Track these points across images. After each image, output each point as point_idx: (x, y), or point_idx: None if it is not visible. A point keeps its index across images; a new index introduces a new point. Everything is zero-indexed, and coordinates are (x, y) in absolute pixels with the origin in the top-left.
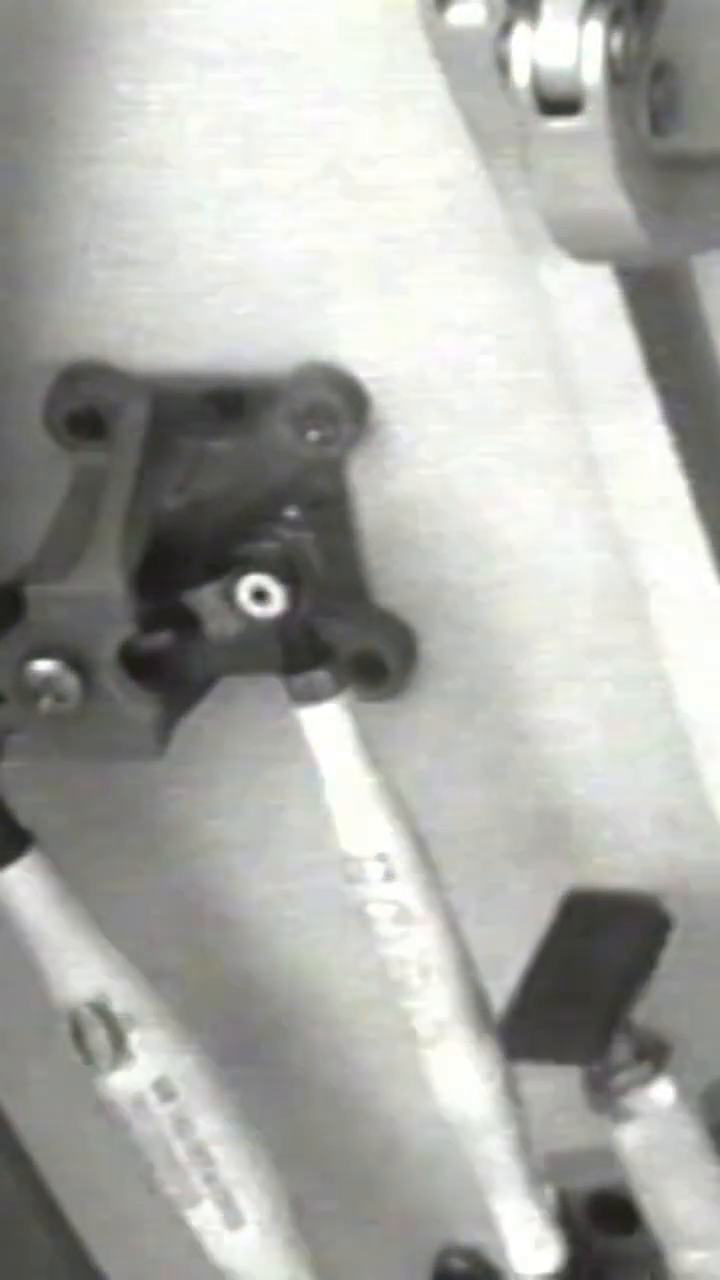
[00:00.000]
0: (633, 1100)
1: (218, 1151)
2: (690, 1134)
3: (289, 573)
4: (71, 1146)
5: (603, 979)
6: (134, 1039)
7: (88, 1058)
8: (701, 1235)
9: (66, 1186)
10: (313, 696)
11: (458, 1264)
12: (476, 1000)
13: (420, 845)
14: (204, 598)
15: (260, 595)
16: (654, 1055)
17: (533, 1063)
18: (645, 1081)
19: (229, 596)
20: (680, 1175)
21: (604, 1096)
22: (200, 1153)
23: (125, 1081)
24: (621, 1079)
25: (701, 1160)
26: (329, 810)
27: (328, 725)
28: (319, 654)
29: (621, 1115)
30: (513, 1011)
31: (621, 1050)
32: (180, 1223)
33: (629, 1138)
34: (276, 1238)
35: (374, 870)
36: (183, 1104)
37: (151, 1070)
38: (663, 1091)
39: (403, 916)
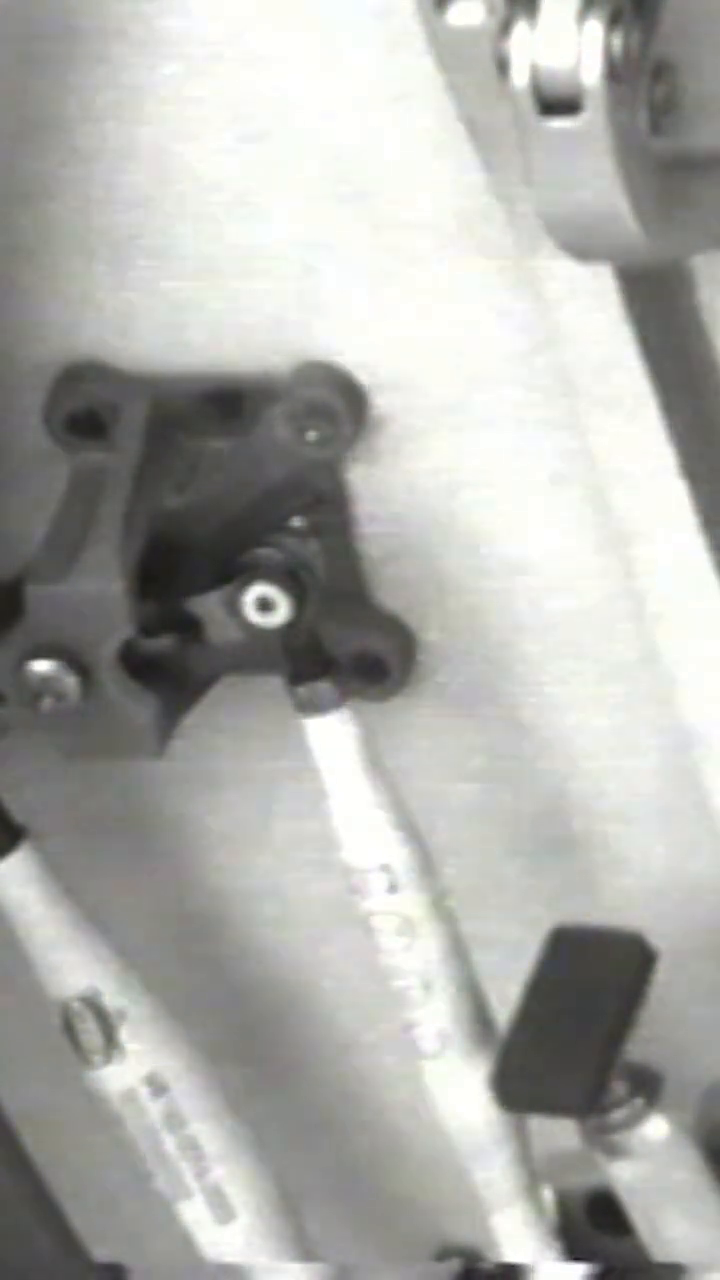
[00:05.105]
0: (626, 1138)
1: (209, 1147)
2: (686, 1165)
3: (294, 582)
4: (66, 1138)
5: (593, 1024)
6: (125, 1033)
7: (79, 1051)
8: (705, 1262)
9: (62, 1178)
10: (317, 708)
11: (484, 1266)
12: (478, 1013)
13: (424, 857)
14: (207, 604)
15: (265, 605)
16: (646, 1089)
17: (527, 1114)
18: (638, 1119)
19: (233, 604)
20: (678, 1207)
21: (597, 1134)
22: (191, 1147)
23: (116, 1076)
24: (614, 1117)
25: (699, 1190)
26: (332, 821)
27: (331, 736)
28: (323, 664)
29: (615, 1152)
30: (504, 1062)
31: (613, 1089)
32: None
33: (624, 1174)
34: (267, 1233)
35: (377, 882)
36: (174, 1099)
37: (143, 1065)
38: (656, 1128)
39: (406, 928)
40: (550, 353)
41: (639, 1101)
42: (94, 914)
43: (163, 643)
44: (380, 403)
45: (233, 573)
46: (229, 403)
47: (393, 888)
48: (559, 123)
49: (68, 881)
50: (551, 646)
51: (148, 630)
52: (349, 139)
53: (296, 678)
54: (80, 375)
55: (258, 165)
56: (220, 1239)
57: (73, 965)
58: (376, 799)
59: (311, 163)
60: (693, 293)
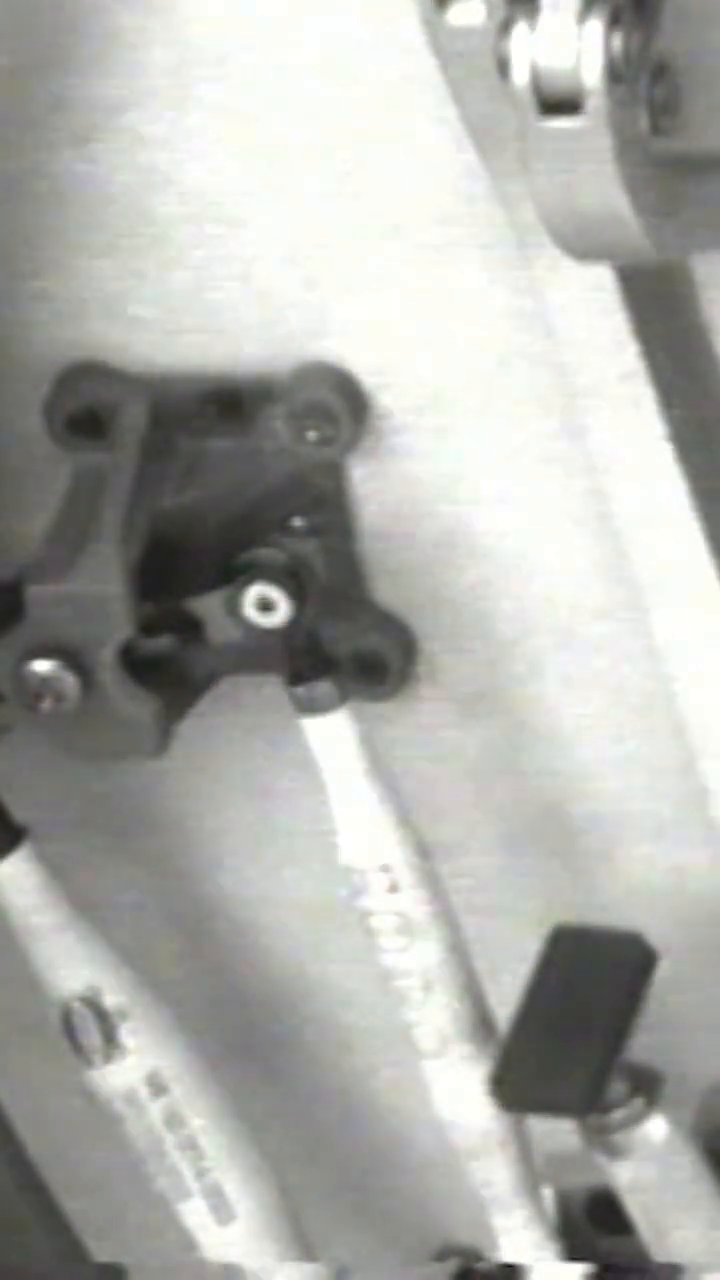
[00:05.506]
0: (626, 1138)
1: (209, 1147)
2: (686, 1165)
3: (294, 583)
4: (66, 1138)
5: (593, 1024)
6: (125, 1033)
7: (79, 1051)
8: (705, 1262)
9: (62, 1178)
10: (316, 708)
11: (484, 1266)
12: (478, 1013)
13: (424, 857)
14: (207, 604)
15: (265, 605)
16: (646, 1090)
17: (527, 1114)
18: (638, 1119)
19: (233, 605)
20: (678, 1207)
21: (597, 1134)
22: (191, 1147)
23: (117, 1075)
24: (614, 1117)
25: (699, 1190)
26: (332, 821)
27: (331, 736)
28: (323, 665)
29: (615, 1152)
30: (504, 1062)
31: (613, 1089)
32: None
33: (624, 1174)
34: (267, 1234)
35: (378, 882)
36: (174, 1098)
37: (143, 1065)
38: (656, 1128)
39: (406, 929)
40: (550, 352)
41: (639, 1101)
42: (94, 914)
43: (163, 643)
44: (380, 403)
45: (233, 573)
46: (229, 403)
47: (393, 888)
48: (559, 123)
49: (68, 881)
50: (551, 646)
51: (148, 630)
52: (349, 139)
53: (296, 678)
54: (80, 375)
55: (258, 165)
56: (220, 1239)
57: (73, 965)
58: (376, 799)
59: (312, 163)
60: (693, 293)
